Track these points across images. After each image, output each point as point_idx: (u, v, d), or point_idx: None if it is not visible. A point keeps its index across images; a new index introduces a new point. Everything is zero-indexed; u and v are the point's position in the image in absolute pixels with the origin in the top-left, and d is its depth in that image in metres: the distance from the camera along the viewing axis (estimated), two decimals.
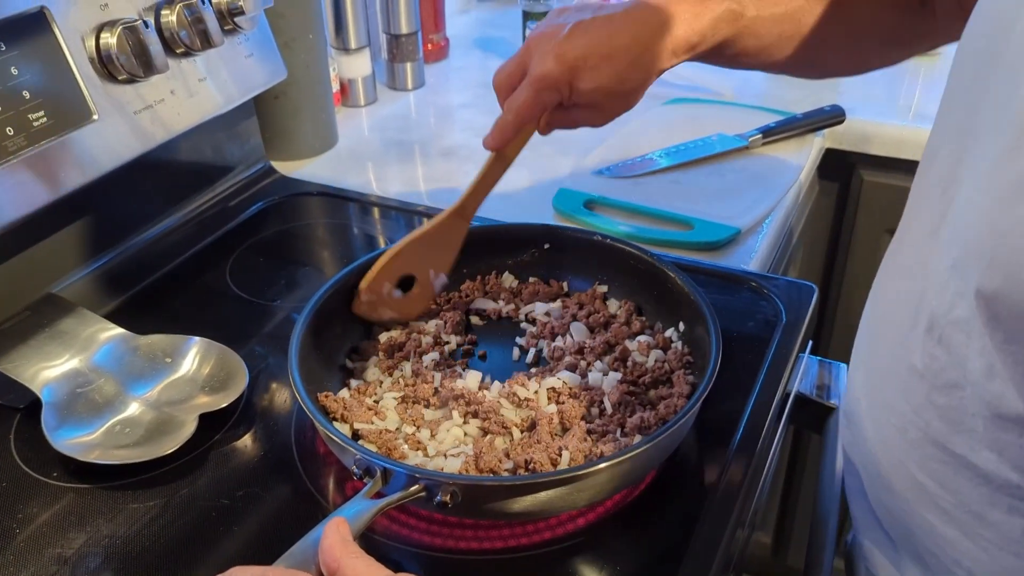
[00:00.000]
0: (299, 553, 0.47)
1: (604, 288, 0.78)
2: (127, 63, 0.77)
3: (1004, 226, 0.41)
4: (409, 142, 1.18)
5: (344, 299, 0.72)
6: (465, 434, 0.63)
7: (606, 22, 0.66)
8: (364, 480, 0.54)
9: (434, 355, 0.70)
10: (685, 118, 1.16)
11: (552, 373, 0.68)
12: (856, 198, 1.22)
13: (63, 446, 0.62)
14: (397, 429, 0.64)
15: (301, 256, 0.93)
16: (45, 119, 0.72)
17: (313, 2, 1.04)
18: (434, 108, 1.30)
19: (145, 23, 0.78)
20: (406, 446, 0.61)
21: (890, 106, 1.20)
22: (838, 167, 1.20)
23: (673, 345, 0.70)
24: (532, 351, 0.73)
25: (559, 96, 0.66)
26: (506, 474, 0.58)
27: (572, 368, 0.69)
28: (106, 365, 0.70)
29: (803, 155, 1.07)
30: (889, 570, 0.63)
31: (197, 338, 0.72)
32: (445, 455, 0.60)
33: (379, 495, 0.53)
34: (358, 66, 1.25)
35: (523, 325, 0.77)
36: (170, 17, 0.81)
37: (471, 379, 0.67)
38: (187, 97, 0.85)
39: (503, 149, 0.69)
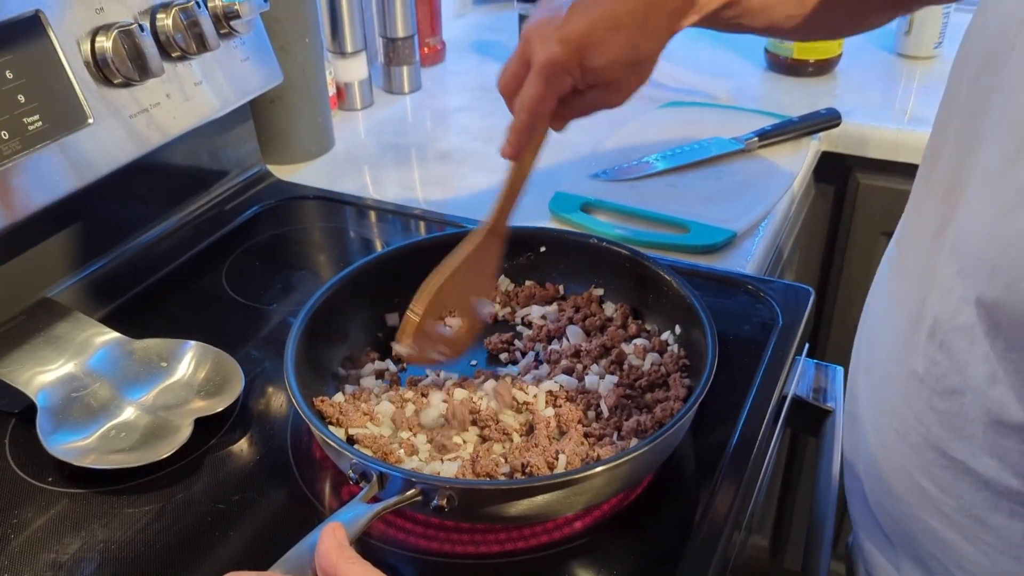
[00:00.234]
0: (295, 558, 0.47)
1: (600, 291, 0.78)
2: (122, 67, 0.77)
3: (1006, 236, 0.41)
4: (405, 146, 1.18)
5: (343, 302, 0.71)
6: (464, 441, 0.63)
7: None
8: (360, 485, 0.54)
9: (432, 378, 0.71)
10: (681, 121, 1.17)
11: (549, 377, 0.68)
12: (852, 201, 1.22)
13: (58, 451, 0.62)
14: (392, 434, 0.64)
15: (297, 260, 0.93)
16: (40, 123, 0.72)
17: (309, 6, 1.04)
18: (430, 112, 1.30)
19: (141, 27, 0.78)
20: (402, 451, 0.61)
21: (886, 109, 1.20)
22: (834, 170, 1.21)
23: (669, 348, 0.70)
24: (530, 354, 0.73)
25: (570, 80, 0.62)
26: (503, 478, 0.58)
27: (568, 372, 0.69)
28: (101, 369, 0.70)
29: (799, 158, 1.07)
30: (889, 572, 0.63)
31: (193, 342, 0.72)
32: (442, 459, 0.60)
33: (375, 499, 0.53)
34: (354, 70, 1.25)
35: (519, 328, 0.77)
36: (166, 21, 0.81)
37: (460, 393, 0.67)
38: (183, 101, 0.85)
39: (522, 155, 0.66)
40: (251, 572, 0.45)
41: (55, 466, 0.63)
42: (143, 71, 0.79)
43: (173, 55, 0.83)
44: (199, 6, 0.83)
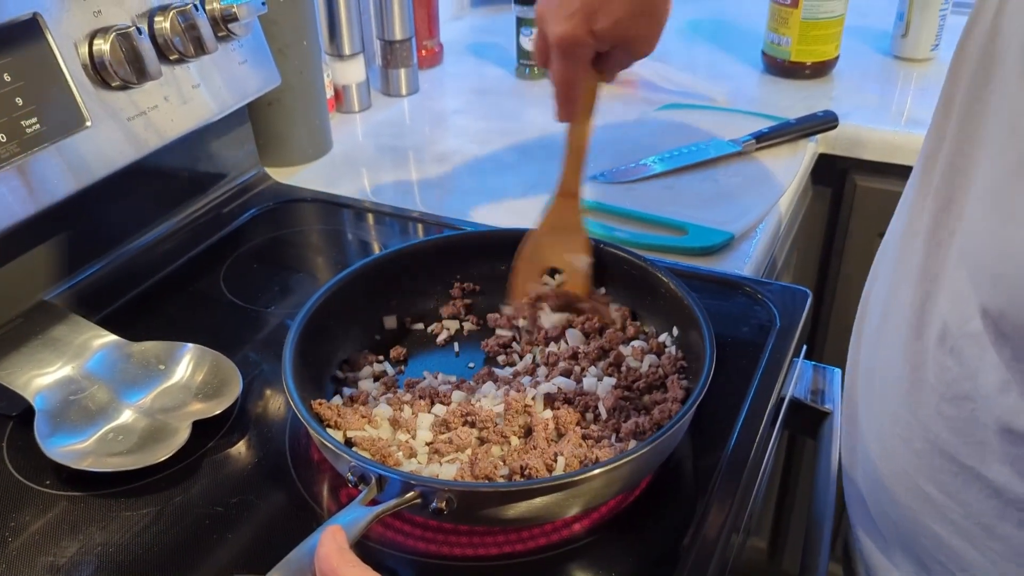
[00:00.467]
0: (295, 562, 0.47)
1: (601, 291, 0.78)
2: (120, 70, 0.77)
3: (1010, 248, 0.40)
4: (403, 148, 1.18)
5: (340, 304, 0.71)
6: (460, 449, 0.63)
7: None
8: (359, 487, 0.54)
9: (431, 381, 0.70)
10: (679, 124, 1.17)
11: (547, 379, 0.68)
12: (849, 203, 1.22)
13: (56, 454, 0.62)
14: (390, 436, 0.64)
15: (295, 262, 0.93)
16: (38, 125, 0.72)
17: (307, 8, 1.04)
18: (428, 114, 1.30)
19: (139, 29, 0.78)
20: (400, 453, 0.61)
21: (883, 111, 1.21)
22: (831, 172, 1.21)
23: (667, 350, 0.70)
24: (528, 357, 0.73)
25: (586, 49, 0.65)
26: (501, 480, 0.58)
27: (567, 374, 0.69)
28: (99, 372, 0.70)
29: (796, 160, 1.07)
30: (890, 574, 0.62)
31: (191, 345, 0.72)
32: (440, 462, 0.60)
33: (374, 502, 0.53)
34: (352, 72, 1.25)
35: (518, 328, 0.77)
36: (164, 23, 0.81)
37: (486, 391, 0.67)
38: (180, 104, 0.85)
39: (575, 116, 0.69)
40: None
41: (53, 469, 0.63)
42: (141, 74, 0.79)
43: (171, 58, 0.83)
44: (197, 9, 0.83)
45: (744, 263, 0.87)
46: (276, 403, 0.70)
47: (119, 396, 0.68)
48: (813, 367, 0.84)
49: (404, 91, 1.34)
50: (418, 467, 0.60)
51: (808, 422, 0.81)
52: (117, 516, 0.60)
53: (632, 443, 0.61)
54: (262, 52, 0.95)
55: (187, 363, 0.71)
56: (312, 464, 0.64)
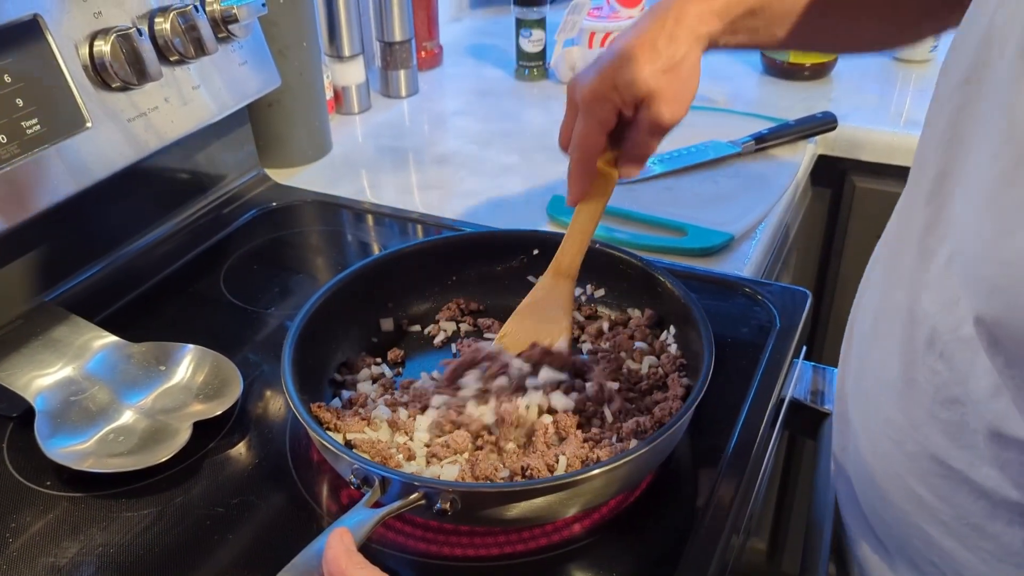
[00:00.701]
0: (302, 564, 0.47)
1: (601, 292, 0.78)
2: (121, 71, 0.77)
3: (1005, 255, 0.40)
4: (403, 149, 1.18)
5: (338, 306, 0.71)
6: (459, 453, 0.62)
7: (629, 28, 0.65)
8: (362, 490, 0.54)
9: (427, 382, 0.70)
10: (678, 125, 1.17)
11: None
12: (848, 204, 1.22)
13: (56, 455, 0.62)
14: (389, 439, 0.64)
15: (295, 263, 0.93)
16: (38, 127, 0.72)
17: (307, 10, 1.04)
18: (428, 115, 1.30)
19: (139, 31, 0.78)
20: (400, 455, 0.61)
21: (881, 113, 1.21)
22: (830, 173, 1.21)
23: (667, 350, 0.71)
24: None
25: (612, 104, 0.63)
26: (503, 481, 0.58)
27: (568, 390, 0.68)
28: (100, 373, 0.70)
29: (796, 161, 1.07)
30: (883, 575, 0.63)
31: (191, 346, 0.72)
32: (440, 463, 0.60)
33: (377, 504, 0.53)
34: (352, 73, 1.25)
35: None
36: (164, 25, 0.81)
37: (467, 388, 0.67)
38: (181, 105, 0.85)
39: (587, 198, 0.68)
40: None
41: (53, 470, 0.63)
42: (141, 75, 0.79)
43: (171, 59, 0.84)
44: (197, 10, 0.83)
45: (744, 264, 0.87)
46: (276, 404, 0.70)
47: (120, 397, 0.68)
48: (813, 368, 0.84)
49: (404, 92, 1.34)
50: (418, 469, 0.60)
51: (808, 423, 0.81)
52: (118, 517, 0.60)
53: (633, 442, 0.61)
54: (262, 53, 0.95)
55: (187, 364, 0.71)
56: (312, 465, 0.64)
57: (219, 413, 0.66)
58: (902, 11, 0.68)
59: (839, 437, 0.68)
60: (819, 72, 1.32)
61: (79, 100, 0.75)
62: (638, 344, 0.72)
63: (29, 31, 0.72)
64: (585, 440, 0.62)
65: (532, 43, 1.37)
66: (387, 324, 0.77)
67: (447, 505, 0.52)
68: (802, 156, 1.09)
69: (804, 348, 0.83)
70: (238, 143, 1.02)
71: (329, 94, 1.22)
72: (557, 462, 0.59)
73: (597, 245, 0.77)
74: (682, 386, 0.65)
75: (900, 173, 1.15)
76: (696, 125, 1.15)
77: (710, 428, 0.65)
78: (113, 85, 0.78)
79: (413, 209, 0.99)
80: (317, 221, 1.00)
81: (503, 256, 0.80)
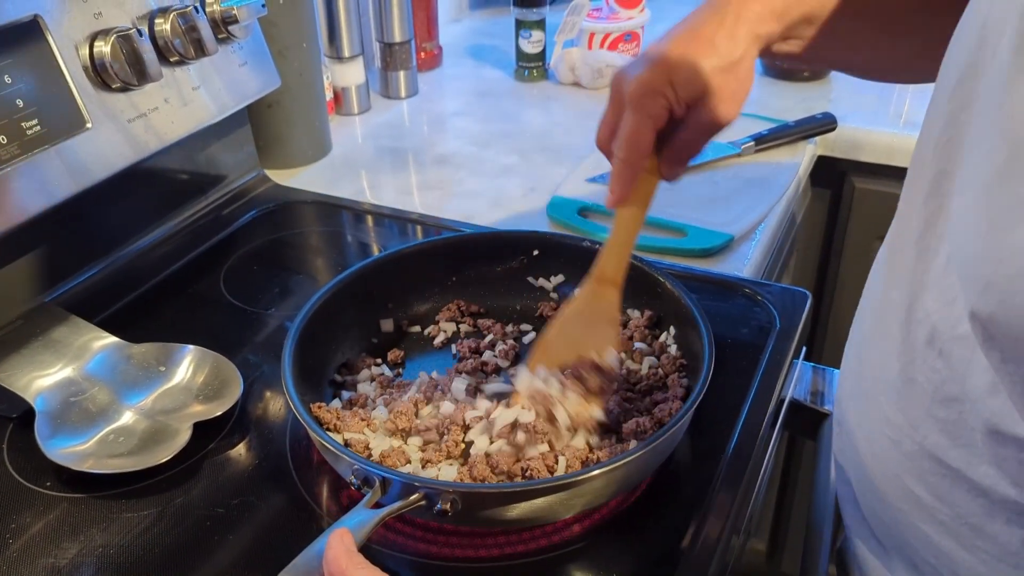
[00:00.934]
0: (302, 565, 0.47)
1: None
2: (121, 71, 0.77)
3: (999, 251, 0.40)
4: (402, 150, 1.18)
5: (338, 307, 0.71)
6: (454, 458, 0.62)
7: (681, 22, 0.62)
8: (362, 490, 0.54)
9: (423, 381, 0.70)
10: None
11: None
12: (848, 205, 1.23)
13: (56, 455, 0.62)
14: (389, 440, 0.64)
15: (295, 264, 0.93)
16: (38, 127, 0.72)
17: (307, 11, 1.04)
18: (427, 116, 1.30)
19: (139, 31, 0.78)
20: (397, 458, 0.61)
21: (881, 113, 1.21)
22: (830, 174, 1.21)
23: (667, 351, 0.71)
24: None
25: (664, 100, 0.60)
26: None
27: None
28: (100, 374, 0.70)
29: (795, 162, 1.07)
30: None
31: (191, 346, 0.72)
32: (438, 465, 0.60)
33: (378, 505, 0.53)
34: (351, 74, 1.25)
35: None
36: (164, 25, 0.81)
37: (456, 392, 0.67)
38: (181, 106, 0.85)
39: (630, 201, 0.63)
40: None
41: (53, 471, 0.63)
42: (141, 76, 0.79)
43: (171, 60, 0.84)
44: (197, 11, 0.83)
45: (743, 265, 0.87)
46: (276, 405, 0.70)
47: (120, 398, 0.68)
48: (813, 368, 0.84)
49: (403, 93, 1.35)
50: (417, 469, 0.60)
51: (808, 423, 0.81)
52: (118, 518, 0.60)
53: (633, 443, 0.61)
54: (262, 54, 0.95)
55: (187, 365, 0.71)
56: (313, 466, 0.64)
57: (219, 414, 0.66)
58: (936, 44, 0.61)
59: (838, 438, 0.68)
60: (819, 73, 1.32)
61: (79, 101, 0.75)
62: (638, 345, 0.72)
63: (29, 32, 0.72)
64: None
65: (532, 44, 1.37)
66: (387, 325, 0.77)
67: (447, 506, 0.52)
68: (802, 157, 1.09)
69: (804, 349, 0.83)
70: (238, 144, 1.02)
71: (329, 95, 1.22)
72: (557, 463, 0.59)
73: (596, 246, 0.77)
74: (682, 387, 0.65)
75: (900, 174, 1.14)
76: None
77: (710, 429, 0.65)
78: (113, 86, 0.78)
79: (413, 210, 1.00)
80: (317, 222, 1.00)
81: (503, 257, 0.80)
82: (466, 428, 0.63)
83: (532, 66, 1.40)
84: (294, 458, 0.65)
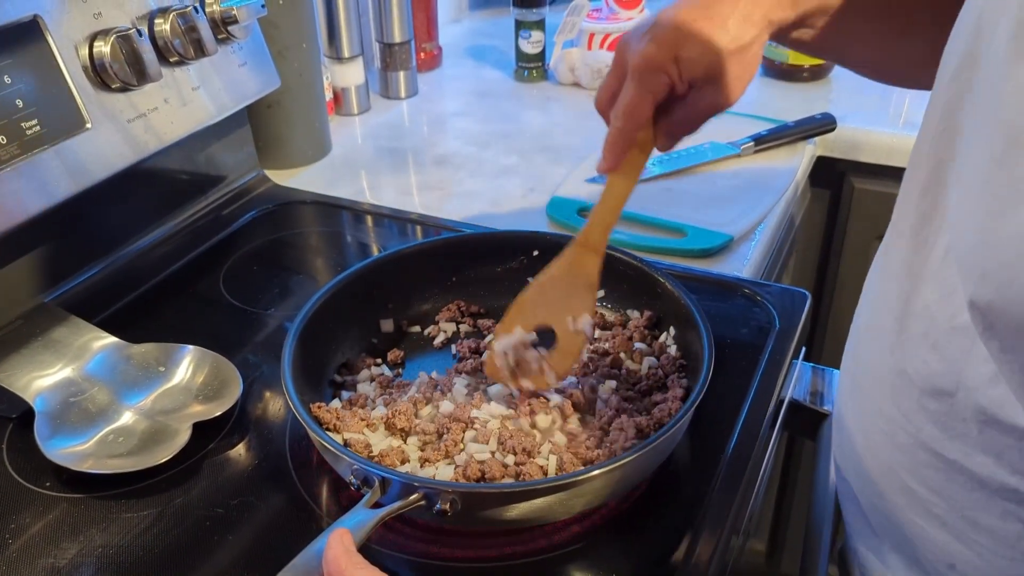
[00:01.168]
0: (302, 565, 0.47)
1: (600, 293, 0.78)
2: (120, 72, 0.77)
3: (995, 238, 0.41)
4: (402, 150, 1.18)
5: (338, 307, 0.71)
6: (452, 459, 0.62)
7: None
8: (362, 490, 0.54)
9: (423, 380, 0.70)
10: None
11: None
12: (847, 205, 1.23)
13: (56, 455, 0.62)
14: (387, 440, 0.64)
15: (294, 264, 0.93)
16: (38, 127, 0.72)
17: (306, 11, 1.04)
18: (427, 116, 1.30)
19: (139, 32, 0.78)
20: (396, 458, 0.61)
21: (880, 114, 1.21)
22: (829, 174, 1.21)
23: (666, 351, 0.71)
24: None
25: (667, 77, 0.59)
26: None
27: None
28: (99, 374, 0.70)
29: (794, 163, 1.07)
30: (883, 575, 0.63)
31: (191, 347, 0.72)
32: (435, 465, 0.60)
33: (377, 505, 0.53)
34: (351, 75, 1.25)
35: None
36: (164, 26, 0.81)
37: (457, 394, 0.67)
38: (180, 106, 0.85)
39: (619, 168, 0.62)
40: None
41: (53, 471, 0.63)
42: (141, 76, 0.79)
43: (171, 60, 0.84)
44: (197, 11, 0.83)
45: (743, 265, 0.88)
46: (276, 405, 0.70)
47: (119, 398, 0.68)
48: (812, 368, 0.84)
49: (403, 93, 1.35)
50: (414, 469, 0.60)
51: (807, 423, 0.81)
52: (117, 518, 0.60)
53: (632, 443, 0.61)
54: (262, 55, 0.95)
55: (187, 365, 0.71)
56: (312, 466, 0.64)
57: (219, 414, 0.66)
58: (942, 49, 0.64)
59: (837, 436, 0.68)
60: (818, 73, 1.32)
61: (79, 101, 0.75)
62: (637, 345, 0.72)
63: (29, 32, 0.72)
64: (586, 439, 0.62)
65: (531, 44, 1.38)
66: (387, 325, 0.77)
67: (447, 506, 0.52)
68: (801, 157, 1.09)
69: (803, 349, 0.83)
70: (238, 144, 1.02)
71: (329, 95, 1.22)
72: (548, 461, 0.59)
73: None
74: (681, 387, 0.65)
75: (899, 174, 1.14)
76: None
77: (710, 429, 0.65)
78: (113, 86, 0.78)
79: (412, 210, 1.00)
80: (317, 222, 1.00)
81: (503, 257, 0.80)
82: (466, 428, 0.63)
83: (532, 66, 1.40)
84: (294, 458, 0.65)
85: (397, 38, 1.30)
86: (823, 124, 1.12)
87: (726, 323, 0.75)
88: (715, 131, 1.12)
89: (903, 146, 1.14)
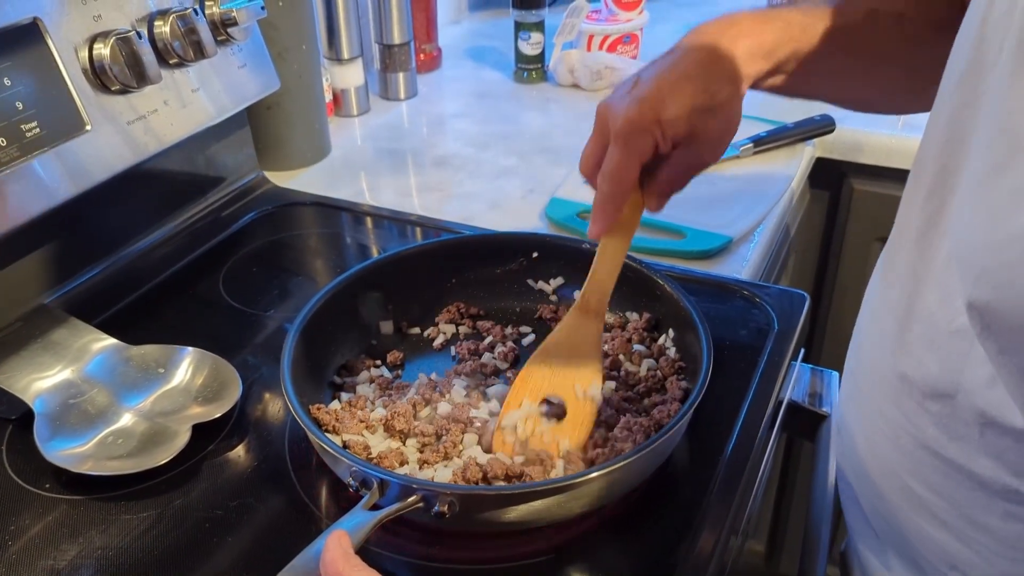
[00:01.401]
0: (300, 567, 0.47)
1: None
2: (120, 74, 0.77)
3: (996, 240, 0.41)
4: (402, 151, 1.18)
5: (337, 309, 0.71)
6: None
7: (670, 55, 0.62)
8: (360, 492, 0.54)
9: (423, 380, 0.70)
10: None
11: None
12: (847, 207, 1.23)
13: (55, 457, 0.62)
14: (386, 441, 0.64)
15: (294, 266, 0.93)
16: (38, 129, 0.72)
17: (306, 13, 1.04)
18: (427, 117, 1.30)
19: (138, 34, 0.78)
20: (395, 460, 0.61)
21: (879, 115, 1.21)
22: (828, 176, 1.21)
23: (665, 353, 0.71)
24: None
25: (651, 138, 0.60)
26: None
27: None
28: (99, 376, 0.70)
29: (794, 164, 1.07)
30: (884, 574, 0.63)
31: (190, 348, 0.72)
32: (434, 467, 0.60)
33: (376, 507, 0.53)
34: (351, 76, 1.25)
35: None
36: (163, 28, 0.81)
37: (456, 395, 0.67)
38: (180, 108, 0.85)
39: (613, 232, 0.63)
40: None
41: (52, 473, 0.63)
42: (141, 78, 0.79)
43: (170, 62, 0.84)
44: (196, 13, 0.83)
45: (742, 267, 0.88)
46: (275, 406, 0.70)
47: (119, 400, 0.68)
48: (811, 370, 0.84)
49: (402, 95, 1.35)
50: (413, 470, 0.60)
51: (806, 425, 0.81)
52: (117, 520, 0.60)
53: (624, 441, 0.61)
54: (261, 56, 0.95)
55: (187, 367, 0.71)
56: (312, 467, 0.64)
57: (218, 416, 0.66)
58: (917, 75, 0.64)
59: (839, 440, 0.68)
60: None
61: (78, 103, 0.75)
62: (636, 347, 0.72)
63: (29, 34, 0.72)
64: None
65: (531, 46, 1.38)
66: (386, 327, 0.77)
67: (445, 508, 0.52)
68: (800, 159, 1.09)
69: (802, 351, 0.83)
70: (237, 145, 1.02)
71: (328, 97, 1.22)
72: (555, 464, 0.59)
73: (592, 246, 0.77)
74: (680, 389, 0.65)
75: (898, 176, 1.15)
76: None
77: (709, 430, 0.65)
78: (112, 88, 0.78)
79: (412, 211, 1.00)
80: (316, 223, 1.00)
81: (502, 258, 0.80)
82: (464, 429, 0.63)
83: (531, 68, 1.40)
84: (293, 460, 0.65)
85: (396, 39, 1.30)
86: (822, 125, 1.12)
87: (725, 325, 0.76)
88: None
89: (902, 147, 1.14)
